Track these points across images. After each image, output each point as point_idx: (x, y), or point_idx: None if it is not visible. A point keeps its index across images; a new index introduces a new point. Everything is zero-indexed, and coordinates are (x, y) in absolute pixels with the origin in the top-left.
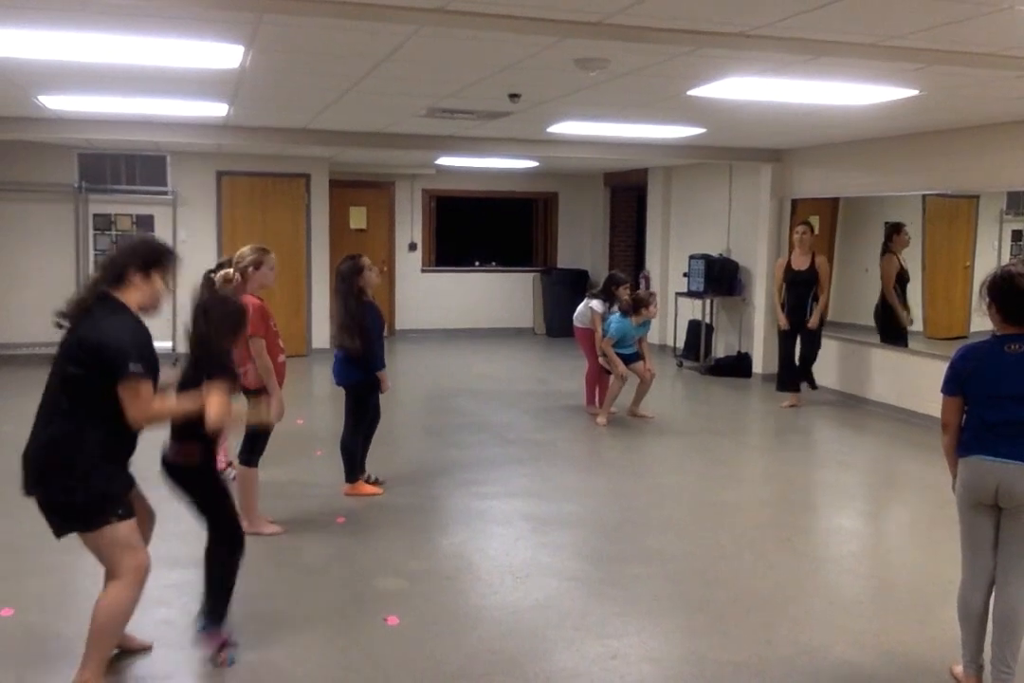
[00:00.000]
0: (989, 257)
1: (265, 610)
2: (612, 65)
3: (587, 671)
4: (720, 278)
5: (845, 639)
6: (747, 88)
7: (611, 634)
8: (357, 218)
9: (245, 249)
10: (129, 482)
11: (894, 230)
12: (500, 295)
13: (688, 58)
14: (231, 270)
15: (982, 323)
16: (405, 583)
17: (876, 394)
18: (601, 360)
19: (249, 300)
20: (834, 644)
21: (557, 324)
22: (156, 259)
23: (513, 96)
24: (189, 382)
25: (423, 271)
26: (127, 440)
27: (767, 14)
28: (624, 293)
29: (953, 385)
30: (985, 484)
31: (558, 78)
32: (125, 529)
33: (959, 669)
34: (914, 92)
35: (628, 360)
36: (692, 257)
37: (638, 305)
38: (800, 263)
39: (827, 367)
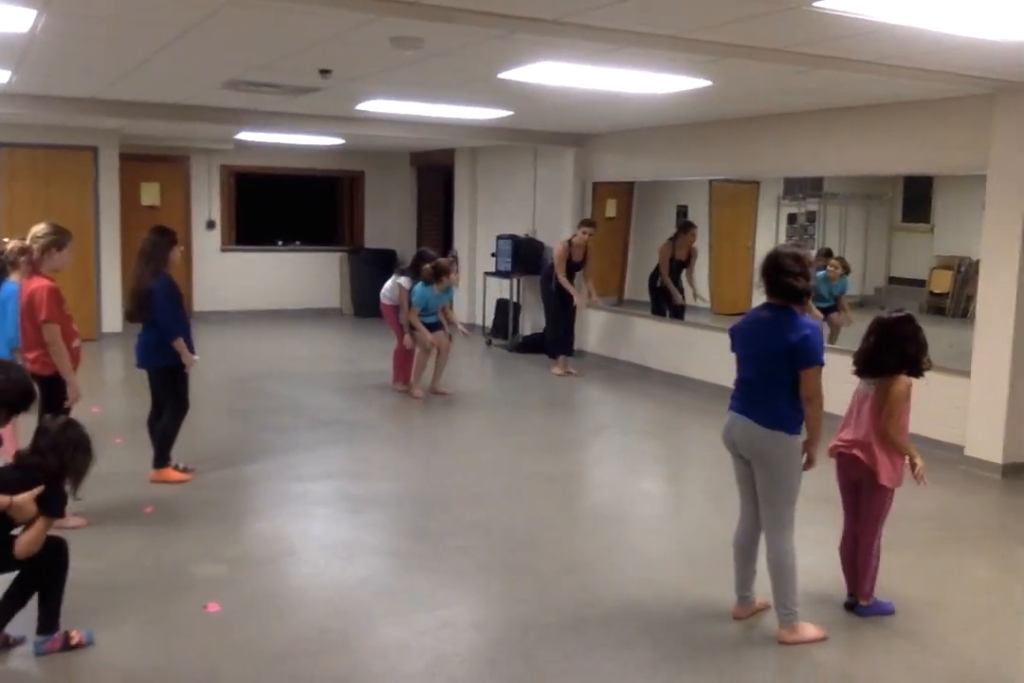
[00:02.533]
0: (768, 238)
1: (79, 606)
2: (427, 45)
3: (418, 642)
4: (527, 258)
5: (654, 593)
6: (556, 73)
7: (439, 605)
8: (149, 194)
9: (41, 227)
10: None
11: (683, 229)
12: (306, 275)
13: (501, 42)
14: (26, 244)
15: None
16: (224, 569)
17: (650, 361)
18: (407, 339)
19: (42, 282)
20: (645, 599)
21: (365, 304)
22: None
23: (324, 72)
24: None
25: (223, 250)
26: None
27: (580, 3)
28: (427, 267)
29: (730, 342)
30: (727, 438)
31: (372, 55)
32: None
33: None
34: (706, 82)
35: (429, 329)
36: (500, 237)
37: (439, 273)
38: (578, 255)
39: (607, 337)
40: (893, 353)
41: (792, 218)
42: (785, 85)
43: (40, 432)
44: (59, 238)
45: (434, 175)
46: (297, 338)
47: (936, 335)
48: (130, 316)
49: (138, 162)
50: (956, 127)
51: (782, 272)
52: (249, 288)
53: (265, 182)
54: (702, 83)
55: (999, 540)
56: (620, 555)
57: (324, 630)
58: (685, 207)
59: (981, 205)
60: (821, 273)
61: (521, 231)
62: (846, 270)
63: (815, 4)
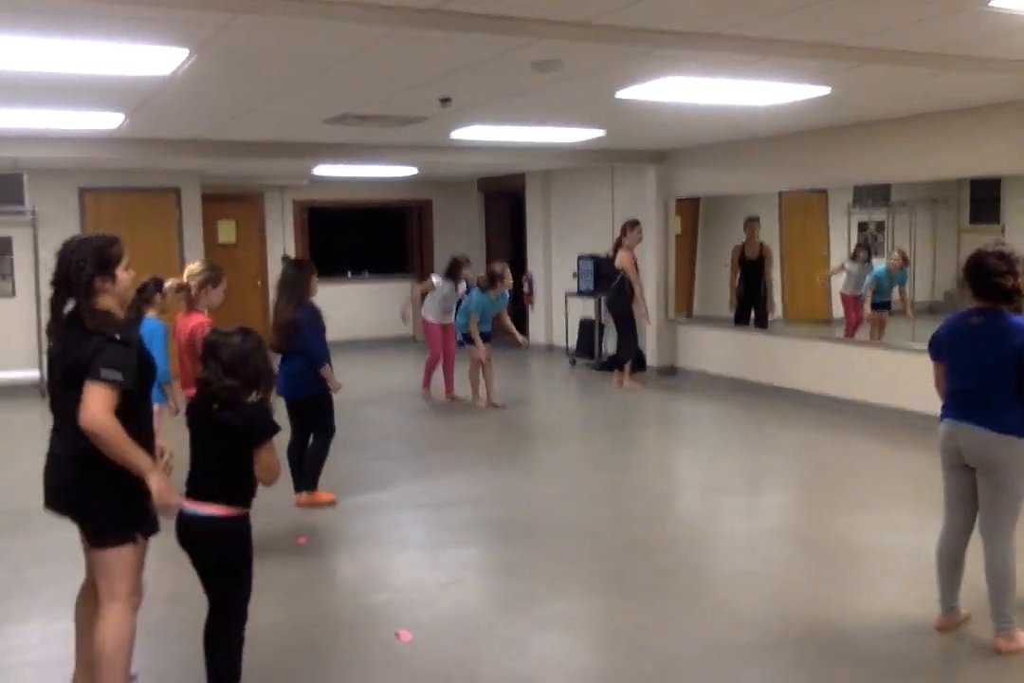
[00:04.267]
0: (841, 246)
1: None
2: (564, 67)
3: (616, 666)
4: (609, 277)
5: (839, 611)
6: (675, 89)
7: (623, 628)
8: (226, 232)
9: (196, 265)
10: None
11: (745, 224)
12: (378, 304)
13: (639, 59)
14: (183, 281)
15: (840, 309)
16: (400, 597)
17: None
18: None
19: (201, 318)
20: (833, 617)
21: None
22: (112, 255)
23: (444, 100)
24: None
25: None
26: None
27: (744, 14)
28: (468, 272)
29: (932, 350)
30: (949, 446)
31: (501, 81)
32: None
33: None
34: (826, 90)
35: (484, 338)
36: (581, 257)
37: (493, 278)
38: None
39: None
40: None
41: (863, 226)
42: (904, 91)
43: (213, 349)
44: (214, 275)
45: (502, 200)
46: (377, 367)
47: None
48: (276, 348)
49: (214, 201)
50: None
51: (988, 272)
52: (326, 319)
53: (336, 215)
54: (822, 91)
55: None
56: (791, 572)
57: (523, 655)
58: (756, 218)
59: None
60: (882, 266)
61: (600, 251)
62: (905, 261)
63: (991, 4)
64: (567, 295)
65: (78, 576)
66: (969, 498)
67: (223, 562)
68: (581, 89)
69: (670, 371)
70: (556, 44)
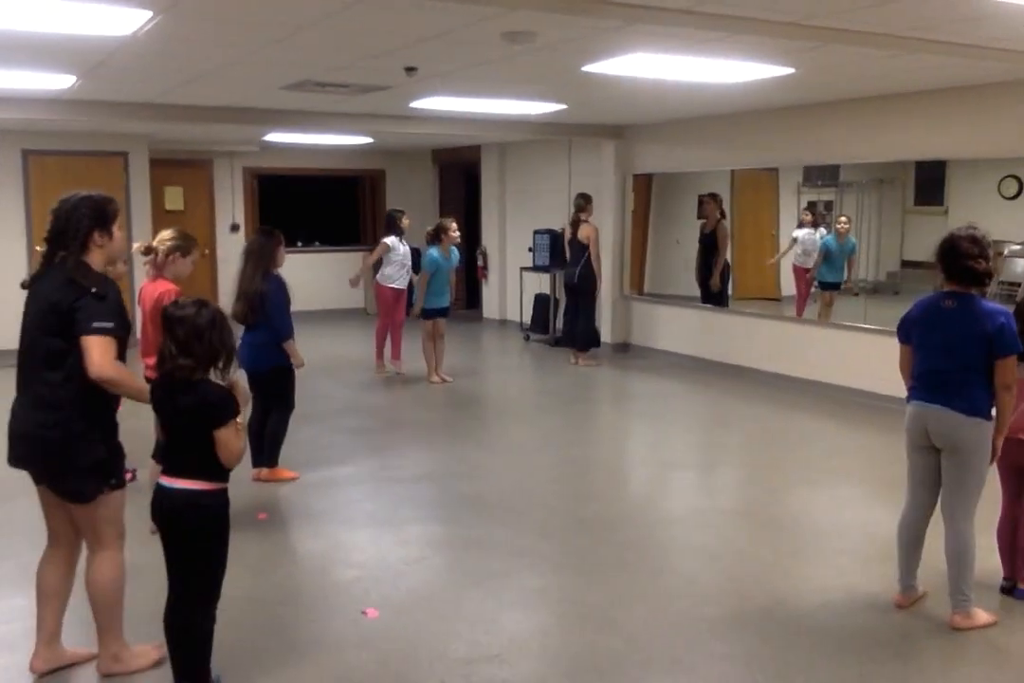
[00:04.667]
0: (791, 225)
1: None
2: (536, 39)
3: (590, 645)
4: (564, 252)
5: (804, 587)
6: (642, 65)
7: (595, 604)
8: (173, 198)
9: (168, 232)
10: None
11: (700, 201)
12: (329, 276)
13: (609, 33)
14: (151, 243)
15: (791, 286)
16: (365, 573)
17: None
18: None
19: (169, 286)
20: (800, 592)
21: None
22: (111, 212)
23: (410, 69)
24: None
25: None
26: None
27: None
28: (406, 223)
29: (900, 333)
30: (917, 427)
31: (471, 52)
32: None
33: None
34: (790, 70)
35: (439, 314)
36: (537, 232)
37: (438, 231)
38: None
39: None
40: None
41: (812, 205)
42: (866, 71)
43: (169, 324)
44: (186, 244)
45: (457, 172)
46: (328, 339)
47: None
48: (239, 318)
49: (162, 167)
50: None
51: (962, 255)
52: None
53: (287, 183)
54: (786, 71)
55: None
56: (751, 548)
57: (492, 632)
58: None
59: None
60: (831, 236)
61: (556, 226)
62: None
63: None
64: (522, 270)
65: (34, 549)
66: (932, 479)
67: (198, 537)
68: (548, 62)
69: (623, 348)
70: (529, 15)
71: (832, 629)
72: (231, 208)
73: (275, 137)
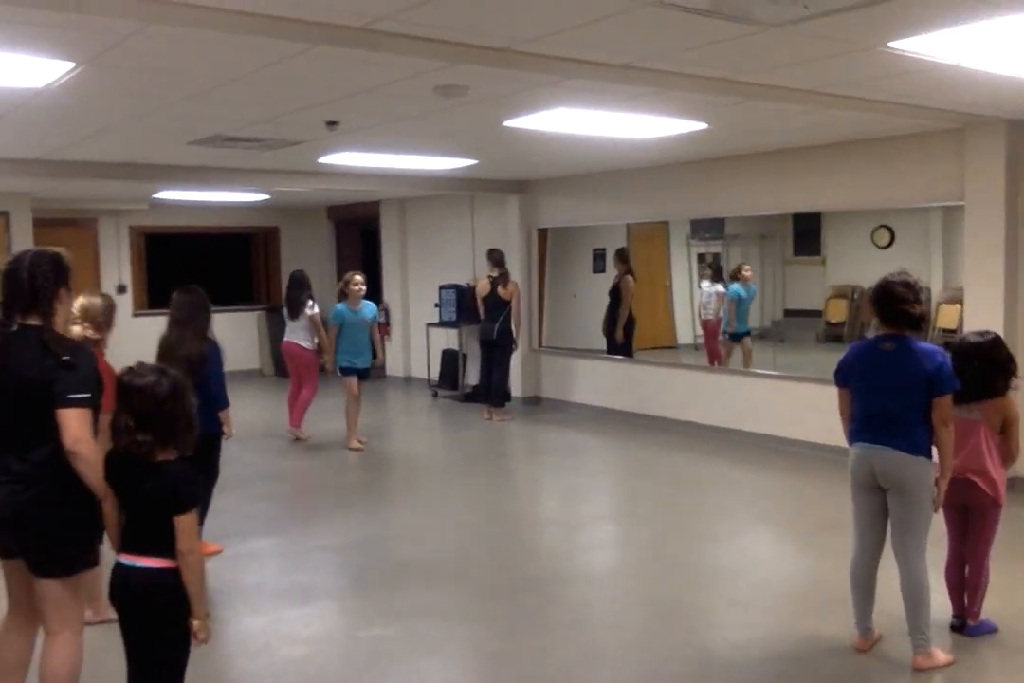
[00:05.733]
0: (682, 276)
1: None
2: (469, 92)
3: None
4: (471, 307)
5: (764, 636)
6: (563, 120)
7: (558, 665)
8: None
9: (89, 299)
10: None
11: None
12: (222, 336)
13: (546, 88)
14: (82, 324)
15: (685, 335)
16: (306, 651)
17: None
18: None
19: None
20: (759, 641)
21: (279, 359)
22: (68, 267)
23: (331, 123)
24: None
25: (135, 315)
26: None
27: (665, 46)
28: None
29: (839, 377)
30: (862, 468)
31: (400, 105)
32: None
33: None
34: (703, 126)
35: (357, 374)
36: (443, 287)
37: (346, 286)
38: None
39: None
40: (1001, 375)
41: (701, 257)
42: (772, 126)
43: (125, 394)
44: (109, 305)
45: (354, 228)
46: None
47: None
48: None
49: (45, 226)
50: (927, 161)
51: (896, 300)
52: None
53: (176, 242)
54: (699, 126)
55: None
56: (707, 601)
57: None
58: (603, 250)
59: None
60: (735, 285)
61: (460, 281)
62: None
63: (889, 45)
64: (428, 325)
65: None
66: (880, 519)
67: (163, 617)
68: (472, 116)
69: (535, 401)
70: (470, 69)
71: (801, 676)
72: (117, 268)
73: (167, 194)
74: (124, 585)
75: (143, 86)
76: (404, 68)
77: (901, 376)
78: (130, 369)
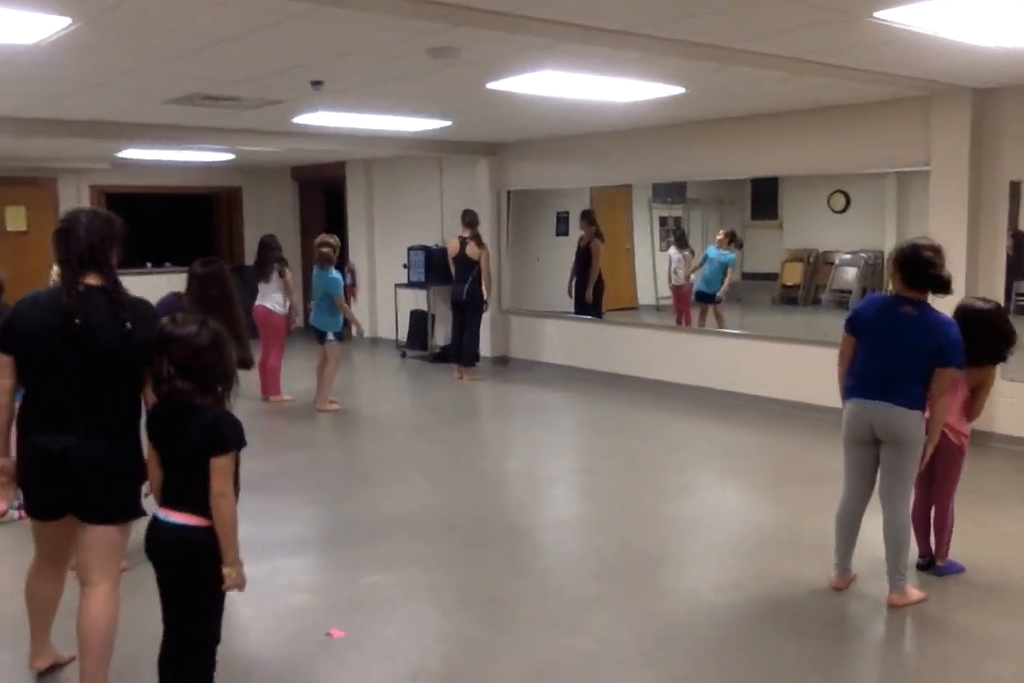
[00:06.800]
0: (644, 239)
1: None
2: (460, 55)
3: (556, 660)
4: (440, 268)
5: (745, 578)
6: (546, 83)
7: (563, 619)
8: (15, 219)
9: None
10: None
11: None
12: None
13: (536, 51)
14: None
15: (646, 296)
16: (312, 595)
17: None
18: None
19: None
20: (742, 584)
21: (250, 323)
22: (120, 232)
23: (316, 83)
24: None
25: None
26: None
27: (657, 14)
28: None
29: (850, 325)
30: (859, 422)
31: (389, 66)
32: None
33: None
34: (681, 90)
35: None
36: (411, 248)
37: (334, 251)
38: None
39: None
40: (1005, 344)
41: (663, 221)
42: (747, 92)
43: (164, 343)
44: None
45: (318, 189)
46: None
47: (796, 322)
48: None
49: (3, 185)
50: (894, 128)
51: (927, 264)
52: None
53: (138, 202)
54: (677, 90)
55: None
56: (688, 548)
57: (465, 644)
58: (566, 213)
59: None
60: (712, 247)
61: (430, 242)
62: (733, 242)
63: (875, 14)
64: (397, 286)
65: None
66: (872, 469)
67: (195, 575)
68: (456, 78)
69: (503, 361)
70: (466, 32)
71: (786, 614)
72: None
73: (129, 153)
74: (158, 539)
75: (138, 45)
76: (403, 30)
77: (915, 343)
78: (172, 318)
